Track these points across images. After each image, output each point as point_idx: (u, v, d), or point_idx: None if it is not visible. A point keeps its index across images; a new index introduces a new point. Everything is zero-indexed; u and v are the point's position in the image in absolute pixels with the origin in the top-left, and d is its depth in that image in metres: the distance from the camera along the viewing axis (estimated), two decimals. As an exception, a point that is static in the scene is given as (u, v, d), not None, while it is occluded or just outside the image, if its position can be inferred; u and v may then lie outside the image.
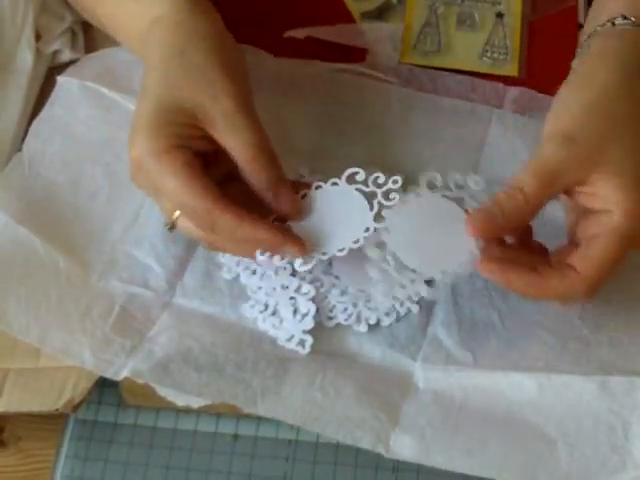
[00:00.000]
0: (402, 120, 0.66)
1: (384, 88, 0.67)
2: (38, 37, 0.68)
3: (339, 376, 0.55)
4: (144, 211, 0.61)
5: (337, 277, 0.58)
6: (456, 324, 0.57)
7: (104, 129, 0.64)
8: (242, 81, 0.54)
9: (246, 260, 0.59)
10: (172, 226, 0.53)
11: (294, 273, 0.58)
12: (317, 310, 0.57)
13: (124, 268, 0.59)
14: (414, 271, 0.52)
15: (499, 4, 0.72)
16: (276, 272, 0.58)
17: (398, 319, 0.58)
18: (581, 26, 0.70)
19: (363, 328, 0.57)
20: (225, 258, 0.60)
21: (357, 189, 0.54)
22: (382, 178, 0.54)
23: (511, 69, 0.69)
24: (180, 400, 0.55)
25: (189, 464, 0.56)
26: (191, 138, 0.52)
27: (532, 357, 0.56)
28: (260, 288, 0.58)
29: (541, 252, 0.54)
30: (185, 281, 0.59)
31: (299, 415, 0.53)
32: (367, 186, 0.54)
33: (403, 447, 0.52)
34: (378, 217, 0.53)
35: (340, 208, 0.54)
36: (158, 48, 0.54)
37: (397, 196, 0.53)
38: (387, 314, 0.57)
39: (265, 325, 0.57)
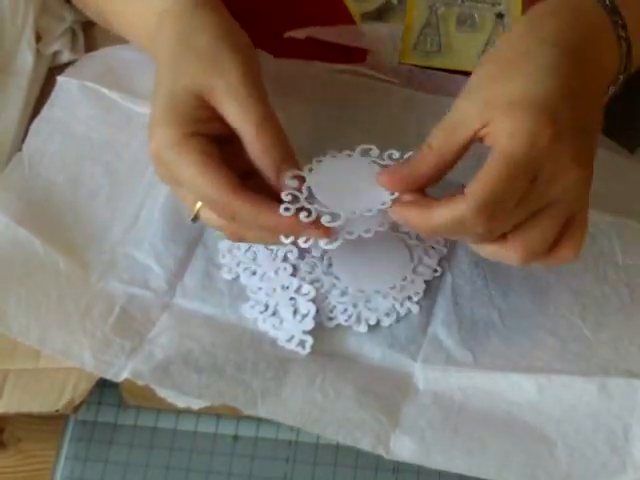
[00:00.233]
0: (402, 121, 0.66)
1: (384, 89, 0.67)
2: (38, 38, 0.68)
3: (339, 377, 0.55)
4: (144, 212, 0.61)
5: (337, 278, 0.58)
6: (456, 324, 0.57)
7: (104, 129, 0.64)
8: (249, 59, 0.53)
9: (246, 261, 0.59)
10: (195, 217, 0.53)
11: (294, 274, 0.58)
12: (317, 311, 0.57)
13: (124, 269, 0.59)
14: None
15: (499, 5, 0.72)
16: (276, 272, 0.58)
17: (398, 319, 0.58)
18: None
19: (363, 328, 0.57)
20: (225, 259, 0.60)
21: (373, 161, 0.53)
22: (396, 154, 0.53)
23: (511, 69, 0.69)
24: (180, 401, 0.55)
25: (189, 465, 0.56)
26: (204, 121, 0.51)
27: (532, 357, 0.56)
28: (260, 289, 0.58)
29: None
30: (185, 282, 0.59)
31: (299, 417, 0.53)
32: (383, 159, 0.53)
33: (403, 448, 0.52)
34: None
35: (352, 179, 0.53)
36: (166, 44, 0.54)
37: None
38: (387, 314, 0.57)
39: (265, 326, 0.57)
